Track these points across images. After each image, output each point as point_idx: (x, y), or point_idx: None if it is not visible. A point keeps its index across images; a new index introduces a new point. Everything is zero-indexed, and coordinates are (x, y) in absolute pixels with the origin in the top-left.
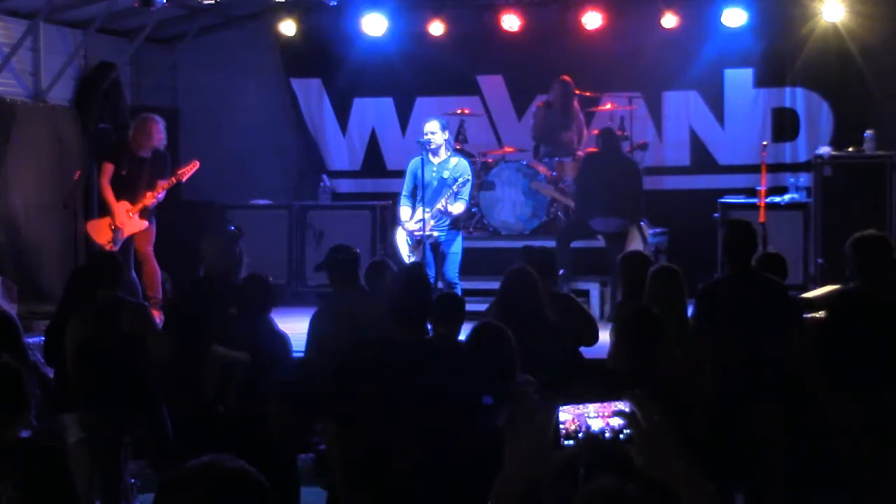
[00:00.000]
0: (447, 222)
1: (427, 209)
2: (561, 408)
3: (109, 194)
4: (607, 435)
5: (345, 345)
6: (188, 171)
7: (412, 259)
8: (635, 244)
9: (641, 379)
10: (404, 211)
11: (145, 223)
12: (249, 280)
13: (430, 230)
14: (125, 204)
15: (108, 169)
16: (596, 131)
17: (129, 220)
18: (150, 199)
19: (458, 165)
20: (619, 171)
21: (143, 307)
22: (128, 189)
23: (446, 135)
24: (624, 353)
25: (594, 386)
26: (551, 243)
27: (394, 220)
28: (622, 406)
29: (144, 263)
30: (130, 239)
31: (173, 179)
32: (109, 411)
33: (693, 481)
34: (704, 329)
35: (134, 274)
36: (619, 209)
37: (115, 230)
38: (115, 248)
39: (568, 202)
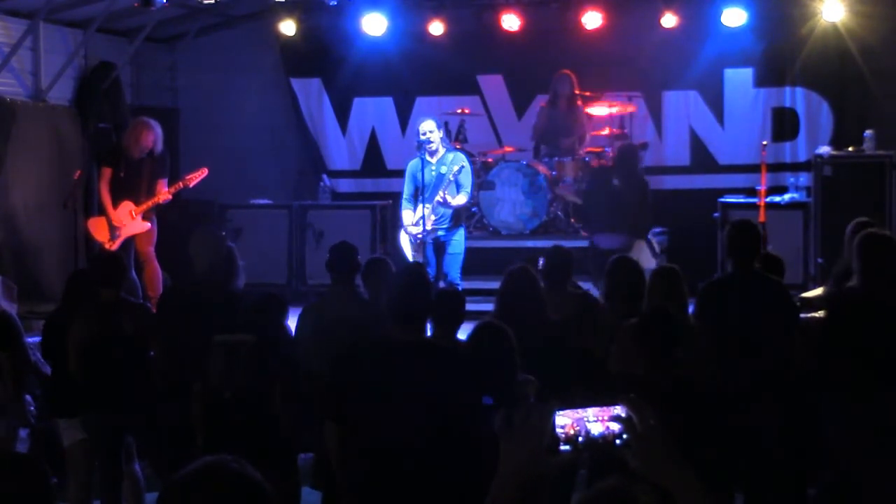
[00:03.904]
0: (448, 217)
1: (427, 205)
2: (560, 412)
3: (107, 199)
4: (606, 439)
5: (327, 345)
6: (196, 177)
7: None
8: (644, 257)
9: (658, 381)
10: (406, 214)
11: (148, 224)
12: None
13: (432, 225)
14: (128, 204)
15: (107, 173)
16: (610, 131)
17: (131, 220)
18: (157, 201)
19: (455, 158)
20: (629, 190)
21: (145, 308)
22: (128, 190)
23: (441, 133)
24: (640, 354)
25: (602, 390)
26: (551, 243)
27: (394, 220)
28: (619, 410)
29: (146, 263)
30: (132, 239)
31: (180, 184)
32: (111, 412)
33: (689, 485)
34: (705, 328)
35: (134, 274)
36: (622, 226)
37: (114, 228)
38: (115, 247)
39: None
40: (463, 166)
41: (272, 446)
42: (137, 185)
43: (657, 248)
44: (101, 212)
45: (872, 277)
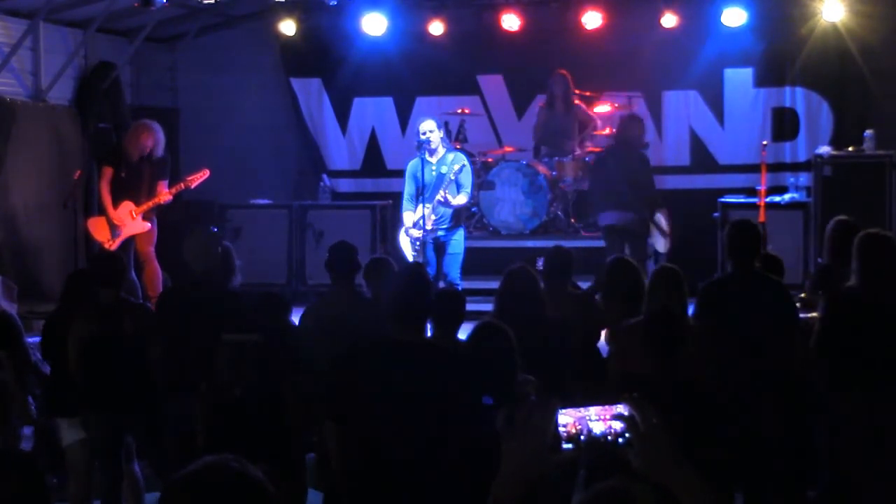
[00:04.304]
0: (448, 217)
1: (428, 205)
2: (562, 410)
3: (107, 199)
4: (608, 438)
5: (328, 345)
6: (197, 178)
7: (417, 258)
8: (655, 239)
9: (663, 381)
10: (407, 216)
11: (148, 224)
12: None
13: (432, 225)
14: (129, 204)
15: (108, 172)
16: (610, 131)
17: (131, 220)
18: (158, 201)
19: (455, 158)
20: (620, 163)
21: (146, 308)
22: (129, 190)
23: (441, 133)
24: (645, 355)
25: (602, 390)
26: (551, 243)
27: (394, 220)
28: (622, 409)
29: (146, 263)
30: (131, 239)
31: (182, 185)
32: (111, 412)
33: (690, 485)
34: (705, 328)
35: (133, 274)
36: (617, 202)
37: (114, 227)
38: (115, 246)
39: None
40: (463, 166)
41: (280, 446)
42: (138, 186)
43: (666, 227)
44: (102, 211)
45: (871, 278)
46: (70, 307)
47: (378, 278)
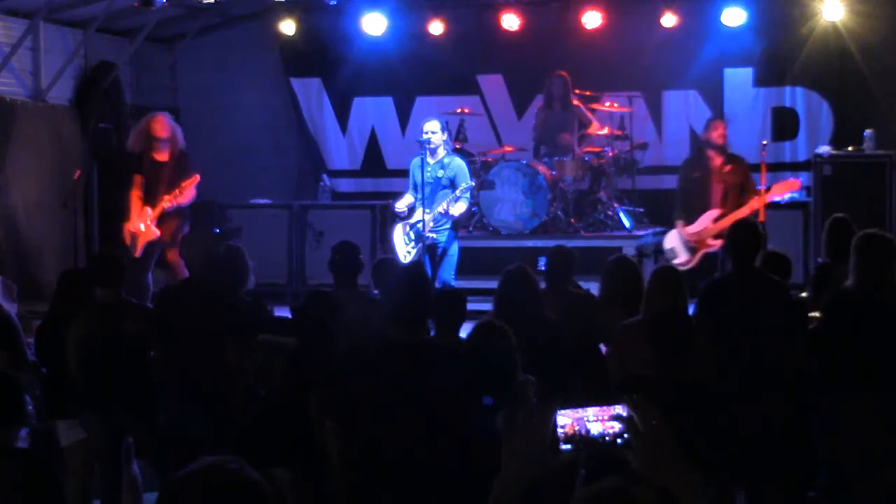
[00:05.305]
0: (447, 225)
1: (427, 210)
2: (560, 411)
3: (132, 208)
4: (606, 439)
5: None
6: (189, 184)
7: (409, 257)
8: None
9: (669, 381)
10: (406, 198)
11: (157, 232)
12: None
13: (429, 232)
14: (147, 211)
15: (138, 180)
16: (609, 131)
17: (147, 227)
18: (159, 211)
19: (454, 165)
20: None
21: (145, 308)
22: (148, 195)
23: (445, 136)
24: (650, 355)
25: (601, 390)
26: (551, 243)
27: (393, 220)
28: (620, 410)
29: (174, 269)
30: (157, 245)
31: (177, 191)
32: (110, 412)
33: (690, 485)
34: (705, 328)
35: (150, 277)
36: None
37: (133, 236)
38: (138, 254)
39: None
40: (469, 186)
41: (303, 449)
42: (155, 189)
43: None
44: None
45: (871, 277)
46: (64, 308)
47: (385, 278)
